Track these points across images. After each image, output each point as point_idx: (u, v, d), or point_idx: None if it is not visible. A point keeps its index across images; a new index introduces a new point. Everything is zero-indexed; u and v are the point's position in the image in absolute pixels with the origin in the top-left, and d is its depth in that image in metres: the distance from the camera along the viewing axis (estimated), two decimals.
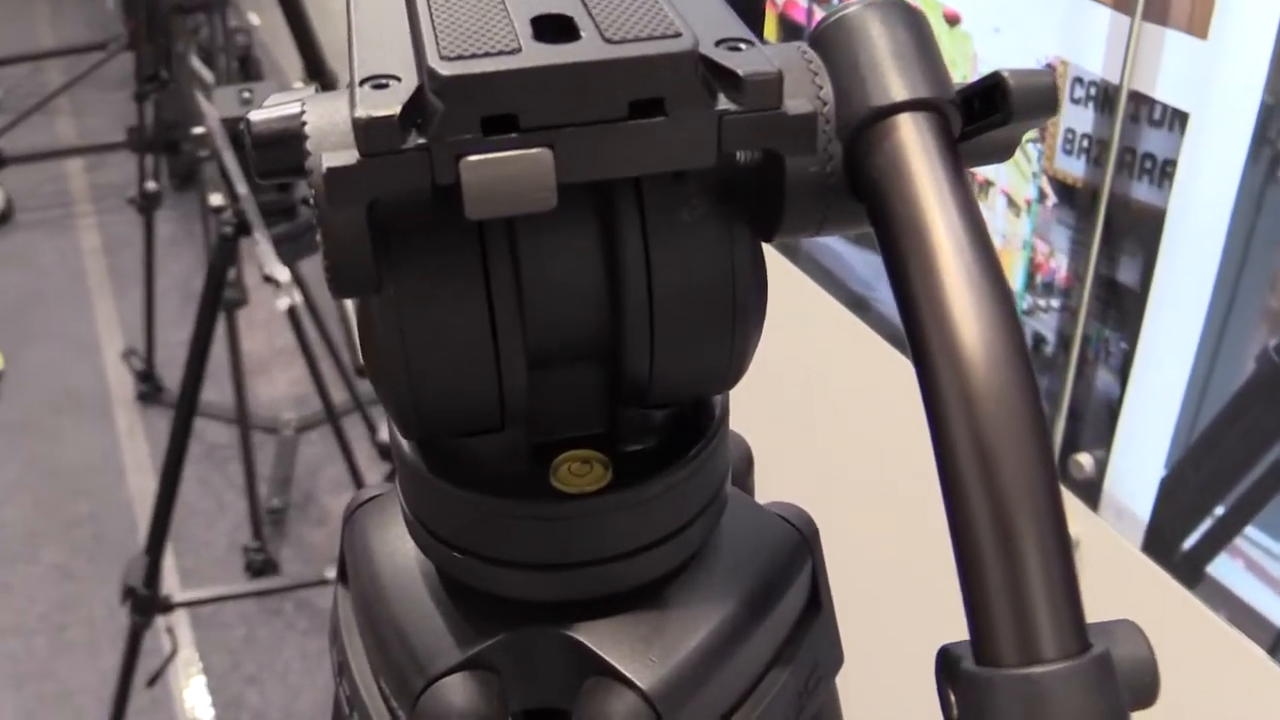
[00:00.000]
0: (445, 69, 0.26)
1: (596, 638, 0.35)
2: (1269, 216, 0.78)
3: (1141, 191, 0.86)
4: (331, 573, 2.00)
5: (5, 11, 4.24)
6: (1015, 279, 0.99)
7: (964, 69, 1.01)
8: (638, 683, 0.34)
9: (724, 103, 0.27)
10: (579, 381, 0.34)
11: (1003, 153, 0.32)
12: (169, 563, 2.16)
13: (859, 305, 1.22)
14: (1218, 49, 0.79)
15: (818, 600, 0.40)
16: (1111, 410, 0.93)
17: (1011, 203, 0.98)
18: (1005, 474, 0.25)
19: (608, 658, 0.34)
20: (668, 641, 0.35)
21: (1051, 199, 0.94)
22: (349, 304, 1.41)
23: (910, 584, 1.16)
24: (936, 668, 0.27)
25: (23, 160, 3.20)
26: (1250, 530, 0.84)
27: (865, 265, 1.20)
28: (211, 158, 1.43)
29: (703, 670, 0.35)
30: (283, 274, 1.30)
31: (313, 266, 1.63)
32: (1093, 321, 0.93)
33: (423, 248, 0.30)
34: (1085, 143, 0.90)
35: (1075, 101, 0.90)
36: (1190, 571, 0.89)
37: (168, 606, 1.68)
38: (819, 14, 1.19)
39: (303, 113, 0.28)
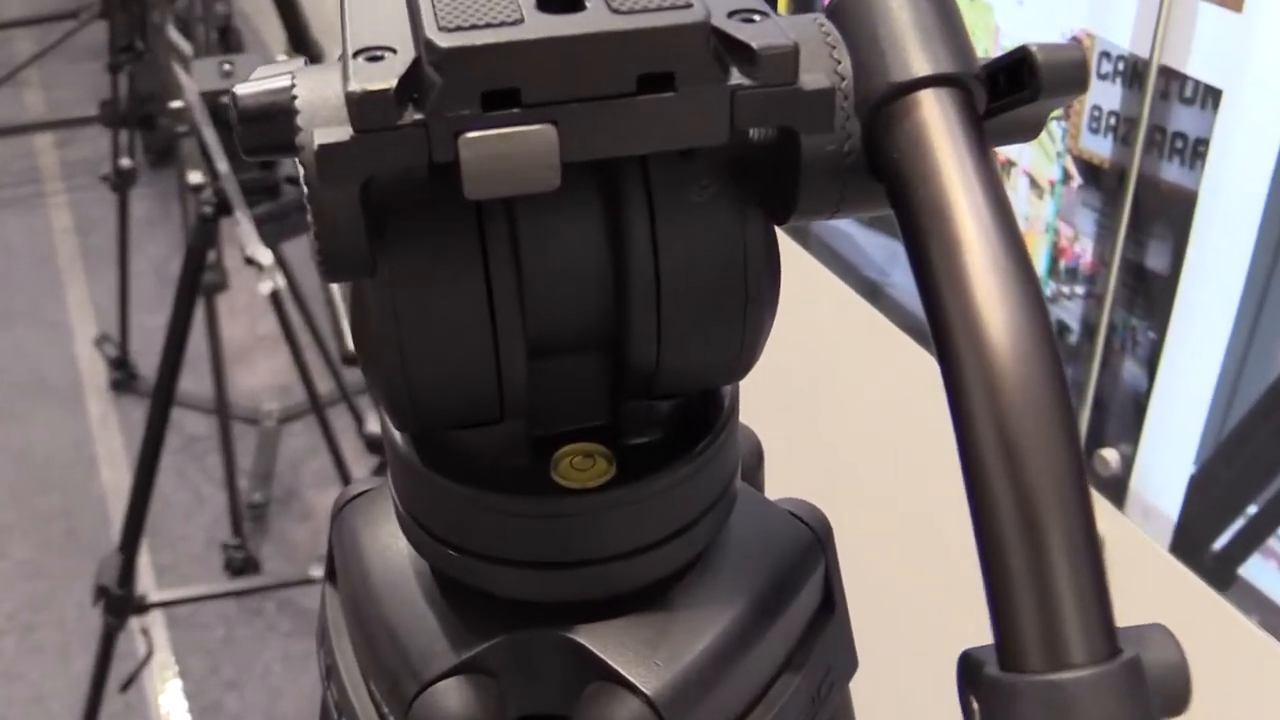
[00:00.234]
0: (443, 40, 0.26)
1: (599, 640, 0.35)
2: None
3: (1171, 172, 0.86)
4: (316, 571, 2.01)
5: None
6: (1038, 264, 0.99)
7: (985, 42, 1.01)
8: (642, 688, 0.34)
9: (737, 77, 0.27)
10: (581, 371, 0.34)
11: (1029, 131, 0.32)
12: (144, 560, 2.16)
13: (873, 292, 1.22)
14: (1253, 22, 0.78)
15: (831, 601, 0.40)
16: (1139, 403, 0.93)
17: (1034, 184, 0.98)
18: (1033, 469, 0.25)
19: (610, 661, 0.35)
20: (673, 645, 0.35)
21: (1076, 180, 0.94)
22: (336, 289, 1.41)
23: (929, 585, 1.16)
24: (958, 674, 0.27)
25: None
26: None
27: (880, 250, 1.21)
28: (190, 133, 1.43)
29: (710, 675, 0.35)
30: (265, 256, 1.30)
31: (297, 249, 1.63)
32: (1119, 309, 0.93)
33: (418, 229, 0.30)
34: (1112, 121, 0.90)
35: (1102, 77, 0.90)
36: (1221, 573, 0.90)
37: (142, 607, 1.68)
38: None
39: (293, 86, 0.28)
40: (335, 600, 0.41)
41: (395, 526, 0.38)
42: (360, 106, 0.26)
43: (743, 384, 0.37)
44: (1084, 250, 0.95)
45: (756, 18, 0.28)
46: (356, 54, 0.27)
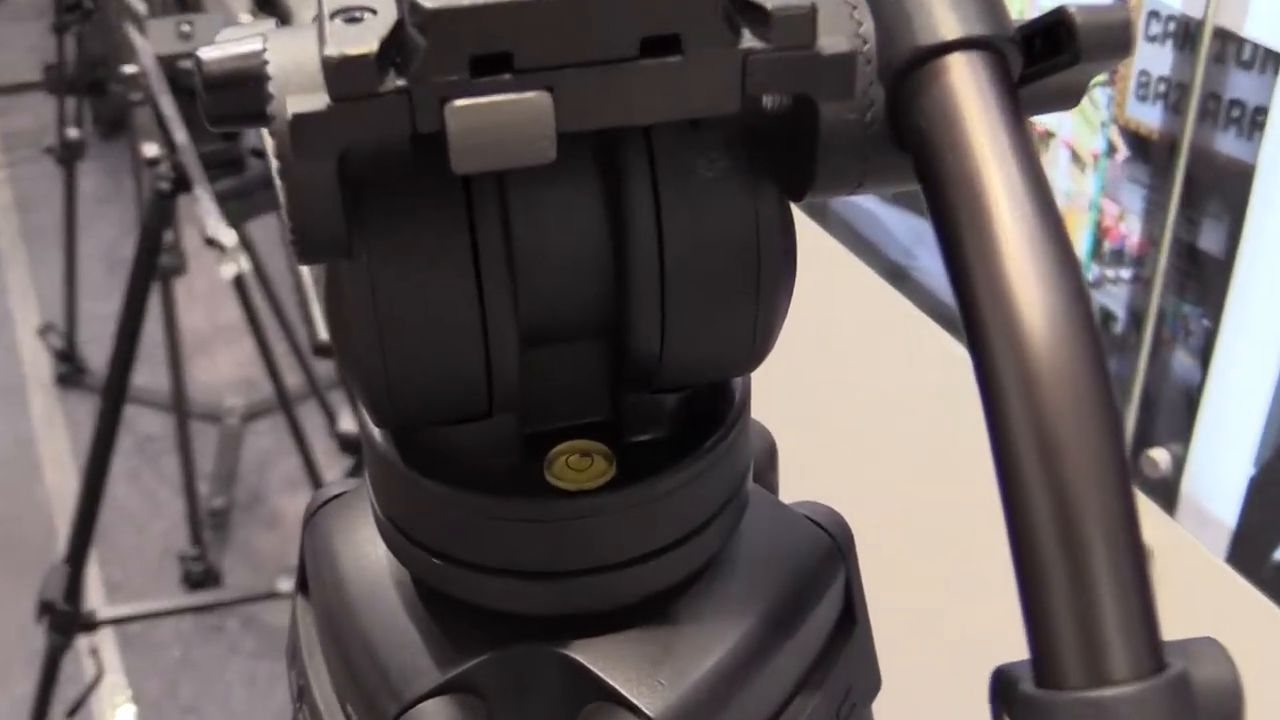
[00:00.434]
0: (429, 0, 0.26)
1: (597, 657, 0.35)
2: None
3: (1227, 144, 0.86)
4: (283, 584, 2.01)
5: None
6: (1080, 245, 1.00)
7: (1020, 3, 1.01)
8: (644, 709, 0.34)
9: (749, 40, 0.27)
10: (578, 362, 0.35)
11: (1068, 99, 0.32)
12: (93, 573, 2.16)
13: (898, 275, 1.22)
14: None
15: (852, 615, 0.40)
16: (1191, 398, 0.94)
17: (1076, 157, 0.98)
18: (1072, 469, 0.25)
19: (610, 680, 0.35)
20: (679, 662, 0.35)
21: (1122, 152, 0.94)
22: (307, 272, 1.41)
23: (959, 595, 1.16)
24: (991, 691, 0.27)
25: None
26: None
27: (906, 229, 1.21)
28: (144, 101, 1.43)
29: (719, 695, 0.35)
30: (228, 237, 1.30)
31: (263, 228, 1.63)
32: (1170, 295, 0.93)
33: (401, 206, 0.30)
34: (1162, 87, 0.90)
35: (1151, 39, 0.90)
36: None
37: (91, 624, 1.69)
38: None
39: (264, 50, 0.28)
40: (307, 614, 0.41)
41: (374, 532, 0.38)
42: (338, 72, 0.26)
43: (755, 376, 0.37)
44: (1131, 230, 0.95)
45: None
46: (333, 15, 0.27)
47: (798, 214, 0.34)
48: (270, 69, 0.28)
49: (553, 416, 0.36)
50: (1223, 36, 0.85)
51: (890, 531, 1.18)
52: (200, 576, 2.09)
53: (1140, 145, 0.93)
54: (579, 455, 0.35)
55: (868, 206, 1.24)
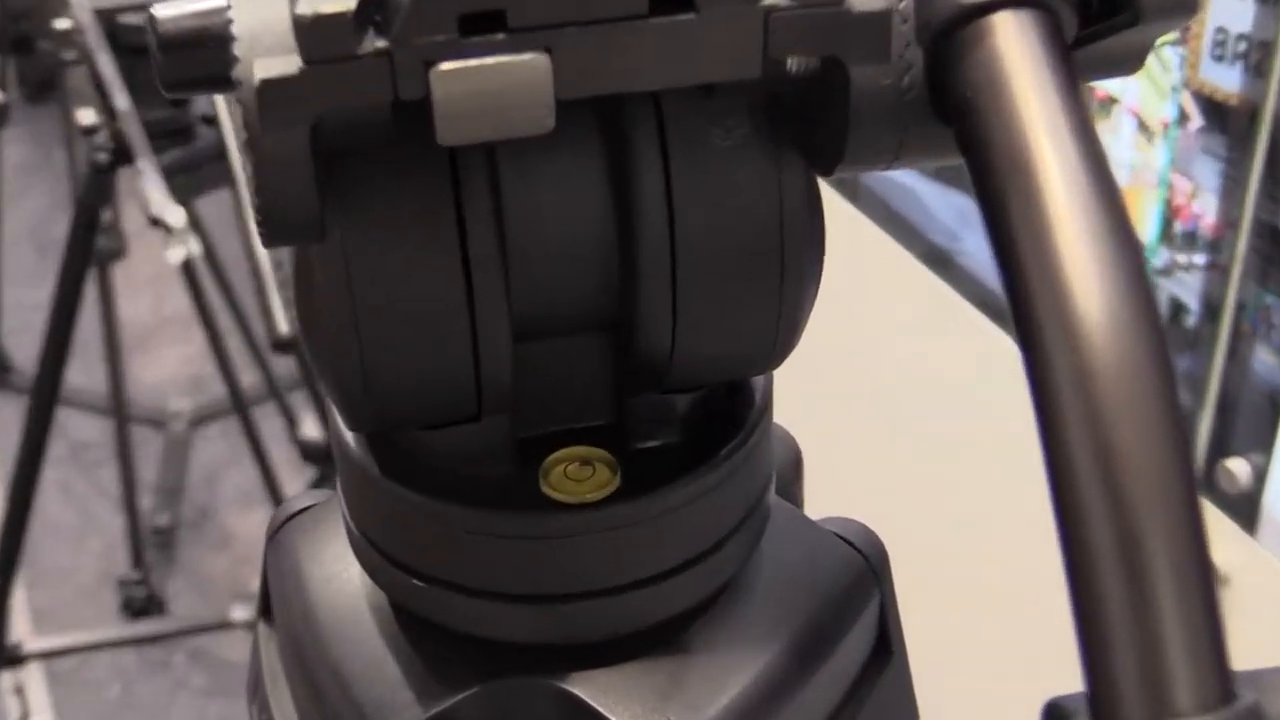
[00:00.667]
0: None
1: (598, 691, 0.35)
2: None
3: None
4: (236, 613, 2.01)
5: None
6: (1147, 226, 1.00)
7: None
8: None
9: None
10: (578, 357, 0.35)
11: (1130, 63, 0.32)
12: (19, 599, 2.16)
13: (940, 260, 1.23)
14: None
15: (887, 643, 0.40)
16: (1274, 402, 0.94)
17: (1143, 126, 0.99)
18: (1133, 480, 0.26)
19: (613, 717, 0.35)
20: (690, 696, 0.35)
21: (1196, 121, 0.95)
22: (265, 258, 1.41)
23: (1006, 621, 1.16)
24: None
25: None
26: None
27: (949, 208, 1.21)
28: (79, 61, 1.43)
29: None
30: (175, 216, 1.30)
31: (216, 205, 1.63)
32: (1250, 284, 0.93)
33: (380, 182, 0.31)
34: (1242, 46, 0.90)
35: None
36: None
37: (16, 658, 1.69)
38: None
39: (228, 7, 0.28)
40: (271, 643, 0.41)
41: (346, 550, 0.38)
42: (311, 32, 0.26)
43: (778, 375, 0.37)
44: (1205, 209, 0.95)
45: None
46: None
47: (825, 189, 0.34)
48: (235, 28, 0.28)
49: (549, 419, 0.36)
50: None
51: (930, 551, 1.18)
52: (142, 604, 2.09)
53: (1216, 112, 0.93)
54: (579, 463, 0.35)
55: (906, 182, 1.24)
